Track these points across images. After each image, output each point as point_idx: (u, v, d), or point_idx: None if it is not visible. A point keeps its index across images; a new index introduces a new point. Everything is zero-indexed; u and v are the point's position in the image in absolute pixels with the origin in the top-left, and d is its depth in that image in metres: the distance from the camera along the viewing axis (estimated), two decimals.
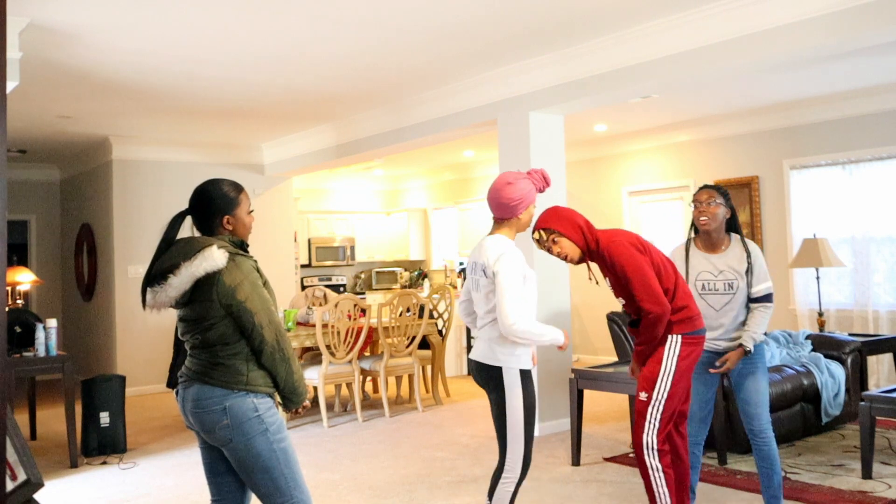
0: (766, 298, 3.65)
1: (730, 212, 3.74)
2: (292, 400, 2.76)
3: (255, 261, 2.79)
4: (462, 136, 7.41)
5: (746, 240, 3.73)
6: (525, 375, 3.20)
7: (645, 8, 4.81)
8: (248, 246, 2.83)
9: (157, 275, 2.66)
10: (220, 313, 2.64)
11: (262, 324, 2.65)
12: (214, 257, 2.60)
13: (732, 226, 3.77)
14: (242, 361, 2.67)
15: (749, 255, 3.65)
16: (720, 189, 3.74)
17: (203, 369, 2.67)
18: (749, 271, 3.63)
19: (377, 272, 12.32)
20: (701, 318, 3.35)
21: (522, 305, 3.14)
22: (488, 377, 3.22)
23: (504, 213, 3.25)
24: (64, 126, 7.91)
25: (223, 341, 2.65)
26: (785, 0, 4.46)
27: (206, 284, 2.61)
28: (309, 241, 11.84)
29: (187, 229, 2.82)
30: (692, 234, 3.83)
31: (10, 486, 2.95)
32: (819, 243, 6.51)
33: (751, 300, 3.66)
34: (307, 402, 2.85)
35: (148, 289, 2.69)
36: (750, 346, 3.59)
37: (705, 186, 3.77)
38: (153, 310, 2.71)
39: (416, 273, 12.49)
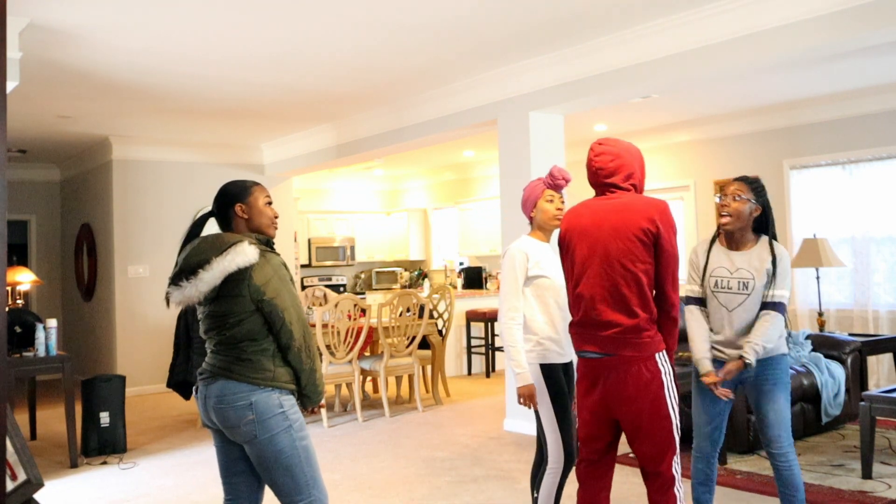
0: (776, 307, 3.29)
1: (760, 209, 3.35)
2: (311, 398, 2.78)
3: (282, 258, 2.82)
4: (462, 136, 7.41)
5: (776, 244, 3.36)
6: (547, 370, 3.28)
7: (645, 8, 4.81)
8: (273, 243, 2.85)
9: (185, 270, 2.65)
10: (250, 309, 2.65)
11: (291, 320, 2.67)
12: (246, 252, 2.62)
13: (763, 225, 3.39)
14: (269, 358, 2.68)
15: (774, 258, 3.30)
16: (751, 181, 3.38)
17: (228, 365, 2.68)
18: (773, 274, 3.29)
19: (377, 272, 12.32)
20: (588, 342, 2.90)
21: (515, 302, 3.29)
22: None
23: (523, 213, 3.50)
24: (64, 126, 7.91)
25: (251, 337, 2.67)
26: (785, 0, 4.46)
27: (236, 280, 2.62)
28: (309, 241, 11.84)
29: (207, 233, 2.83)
30: (719, 231, 3.47)
31: (10, 486, 2.96)
32: (819, 243, 6.51)
33: (761, 306, 3.31)
34: (323, 402, 2.86)
35: (174, 286, 2.68)
36: (750, 358, 3.24)
37: (740, 178, 3.41)
38: (179, 306, 2.70)
39: (416, 273, 12.49)
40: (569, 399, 3.33)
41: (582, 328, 2.93)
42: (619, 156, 2.97)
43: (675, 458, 2.86)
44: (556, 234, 3.50)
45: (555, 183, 3.39)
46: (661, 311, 2.86)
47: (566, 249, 3.01)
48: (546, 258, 3.35)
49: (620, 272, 2.83)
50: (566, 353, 3.33)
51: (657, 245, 2.83)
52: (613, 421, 2.94)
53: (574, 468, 3.17)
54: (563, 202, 3.41)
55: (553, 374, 3.28)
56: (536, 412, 3.34)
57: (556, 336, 3.30)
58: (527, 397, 3.22)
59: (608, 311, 2.84)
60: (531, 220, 3.45)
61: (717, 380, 3.29)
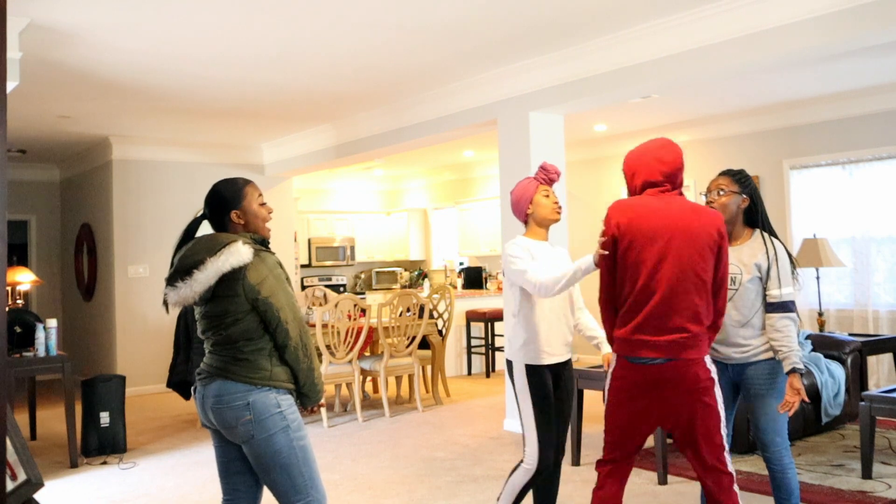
0: (785, 307, 3.17)
1: (748, 200, 3.28)
2: (310, 397, 2.78)
3: (277, 257, 2.82)
4: (462, 136, 7.41)
5: (772, 239, 3.27)
6: (533, 371, 3.25)
7: (645, 8, 4.81)
8: (268, 243, 2.84)
9: (180, 271, 2.65)
10: (246, 308, 2.65)
11: (287, 319, 2.67)
12: (240, 252, 2.62)
13: (752, 218, 3.31)
14: (266, 357, 2.68)
15: (768, 252, 3.21)
16: (736, 175, 3.32)
17: (225, 365, 2.68)
18: (768, 270, 3.19)
19: (377, 272, 12.32)
20: (648, 348, 2.76)
21: (536, 269, 3.15)
22: (508, 371, 3.37)
23: (516, 214, 3.44)
24: (64, 126, 7.91)
25: (247, 337, 2.67)
26: (785, 0, 4.46)
27: (232, 280, 2.62)
28: (309, 241, 11.84)
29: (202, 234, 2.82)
30: None
31: (10, 486, 2.95)
32: (819, 243, 6.51)
33: (768, 308, 3.20)
34: (322, 401, 2.86)
35: (170, 287, 2.68)
36: (800, 365, 3.11)
37: (723, 172, 3.35)
38: (177, 307, 2.70)
39: (416, 273, 12.49)
40: (553, 402, 3.29)
41: (643, 332, 2.76)
42: (681, 155, 2.91)
43: (727, 454, 2.87)
44: (552, 230, 3.48)
45: (549, 177, 3.37)
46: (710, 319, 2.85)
47: (626, 247, 2.78)
48: (543, 257, 3.30)
49: (693, 280, 2.74)
50: (557, 353, 3.30)
51: (719, 255, 2.81)
52: (653, 428, 2.89)
53: (552, 469, 3.17)
54: (556, 196, 3.40)
55: (538, 376, 3.25)
56: (518, 412, 3.32)
57: (547, 337, 3.27)
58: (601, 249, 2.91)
59: (677, 318, 2.73)
60: (526, 219, 3.39)
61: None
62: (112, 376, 5.92)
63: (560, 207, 3.37)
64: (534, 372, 3.25)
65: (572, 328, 3.40)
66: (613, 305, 2.89)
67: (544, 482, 3.41)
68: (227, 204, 2.80)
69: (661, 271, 2.74)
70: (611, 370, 2.91)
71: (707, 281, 2.78)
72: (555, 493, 3.43)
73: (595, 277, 2.96)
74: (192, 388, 2.81)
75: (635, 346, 2.78)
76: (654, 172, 2.87)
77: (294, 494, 2.69)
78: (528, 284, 3.14)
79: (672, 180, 2.87)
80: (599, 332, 3.44)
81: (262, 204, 2.85)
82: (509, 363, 3.35)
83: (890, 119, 7.28)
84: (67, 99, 6.77)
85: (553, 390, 3.31)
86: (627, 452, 2.91)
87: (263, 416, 2.64)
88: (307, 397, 2.77)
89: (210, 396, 2.69)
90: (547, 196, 3.34)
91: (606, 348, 3.39)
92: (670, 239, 2.75)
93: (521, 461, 3.32)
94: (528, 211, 3.36)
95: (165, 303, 2.72)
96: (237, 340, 2.67)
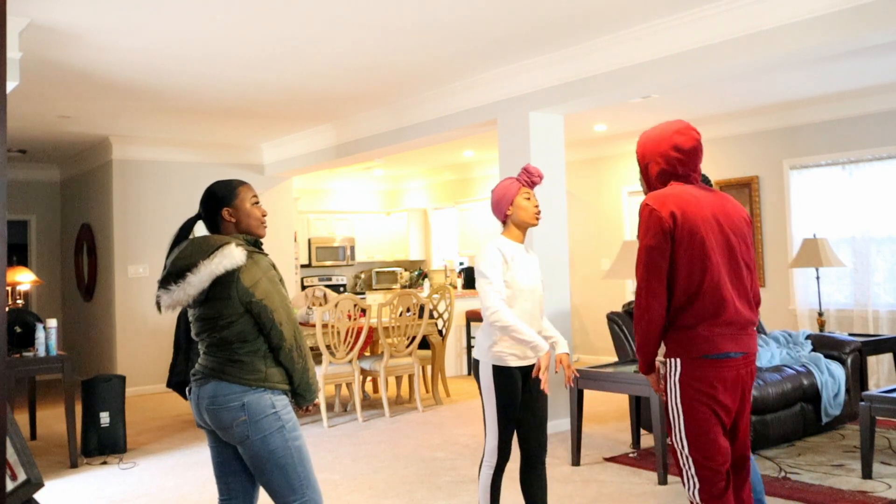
0: None
1: None
2: (305, 397, 2.78)
3: (271, 258, 2.82)
4: (462, 136, 7.41)
5: None
6: (500, 372, 3.26)
7: (645, 8, 4.82)
8: (262, 244, 2.84)
9: (173, 274, 2.65)
10: (240, 311, 2.65)
11: (281, 321, 2.67)
12: (234, 255, 2.62)
13: None
14: (260, 359, 2.68)
15: None
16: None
17: (220, 366, 2.68)
18: None
19: (377, 272, 12.32)
20: (729, 340, 2.57)
21: (500, 294, 3.19)
22: (474, 369, 3.39)
23: (495, 214, 3.43)
24: (64, 126, 7.91)
25: (241, 339, 2.66)
26: (785, 0, 4.46)
27: (225, 282, 2.62)
28: (309, 241, 11.84)
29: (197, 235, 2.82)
30: None
31: (10, 486, 2.95)
32: (819, 243, 6.51)
33: None
34: (317, 400, 2.86)
35: (163, 289, 2.68)
36: None
37: None
38: (169, 309, 2.69)
39: (416, 273, 12.49)
40: (517, 403, 3.30)
41: (725, 327, 2.58)
42: (699, 138, 2.74)
43: None
44: (532, 232, 3.45)
45: (531, 180, 3.36)
46: None
47: (689, 238, 2.57)
48: (519, 260, 3.31)
49: (745, 272, 2.68)
50: (526, 357, 3.29)
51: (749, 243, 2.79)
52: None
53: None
54: (537, 200, 3.39)
55: (506, 378, 3.26)
56: (483, 409, 3.34)
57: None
58: (546, 367, 3.03)
59: (746, 310, 2.65)
60: (505, 220, 3.39)
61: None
62: (112, 376, 5.92)
63: (539, 212, 3.36)
64: (501, 373, 3.26)
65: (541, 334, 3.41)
66: (666, 313, 2.62)
67: (528, 479, 3.44)
68: (219, 202, 2.80)
69: (724, 265, 2.60)
70: (675, 377, 2.62)
71: (753, 269, 2.73)
72: (544, 490, 3.44)
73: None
74: (187, 389, 2.82)
75: (721, 341, 2.57)
76: (673, 163, 2.69)
77: (290, 494, 2.69)
78: (483, 298, 3.20)
79: (693, 168, 2.72)
80: (555, 333, 3.44)
81: (256, 203, 2.85)
82: (476, 362, 3.35)
83: (890, 119, 7.28)
84: (67, 99, 6.77)
85: (523, 391, 3.33)
86: (728, 457, 2.63)
87: (259, 417, 2.64)
88: (302, 397, 2.78)
89: (205, 397, 2.69)
90: (528, 199, 3.34)
91: (562, 349, 3.39)
92: (721, 230, 2.62)
93: (482, 460, 3.37)
94: (507, 212, 3.35)
95: (158, 305, 2.71)
96: (232, 342, 2.67)
